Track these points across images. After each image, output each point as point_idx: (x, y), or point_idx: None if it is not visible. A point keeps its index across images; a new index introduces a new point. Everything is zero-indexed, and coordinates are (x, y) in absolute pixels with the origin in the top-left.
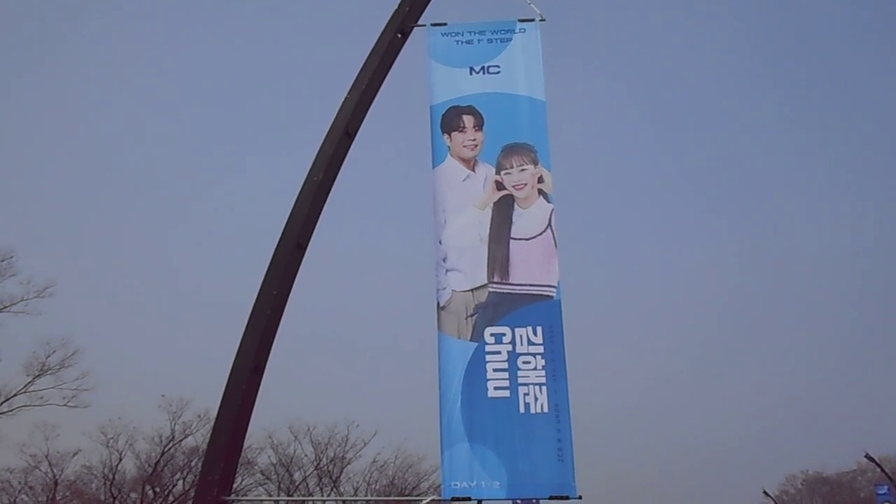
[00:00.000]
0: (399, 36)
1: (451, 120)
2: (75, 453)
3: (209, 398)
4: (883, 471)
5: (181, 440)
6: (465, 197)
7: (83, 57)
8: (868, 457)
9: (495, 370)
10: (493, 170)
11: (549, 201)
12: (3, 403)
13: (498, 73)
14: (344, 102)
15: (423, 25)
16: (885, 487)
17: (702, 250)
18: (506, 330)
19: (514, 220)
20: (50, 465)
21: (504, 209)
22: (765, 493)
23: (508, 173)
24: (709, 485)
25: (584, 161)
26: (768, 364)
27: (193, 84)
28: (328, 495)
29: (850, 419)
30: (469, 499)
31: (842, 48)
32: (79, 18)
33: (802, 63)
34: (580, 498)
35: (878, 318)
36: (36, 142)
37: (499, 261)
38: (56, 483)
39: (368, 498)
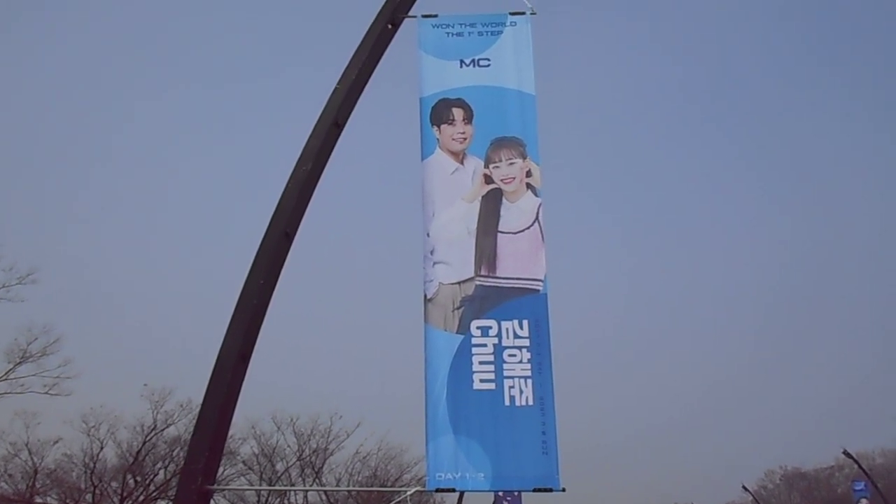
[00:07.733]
0: (389, 27)
1: (440, 112)
2: (56, 441)
3: (192, 388)
4: (860, 467)
5: (163, 429)
6: (454, 190)
7: (70, 43)
8: (846, 453)
9: (481, 363)
10: (482, 163)
11: (537, 195)
12: None
13: (488, 66)
14: (333, 93)
15: (414, 17)
16: (862, 483)
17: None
18: (492, 323)
19: (501, 213)
20: (30, 453)
21: (492, 202)
22: (744, 487)
23: (497, 167)
24: (690, 479)
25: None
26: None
27: (181, 67)
28: (310, 486)
29: (828, 416)
30: (453, 490)
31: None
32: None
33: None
34: (564, 490)
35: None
36: (18, 126)
37: (486, 254)
38: (36, 471)
39: (350, 488)
